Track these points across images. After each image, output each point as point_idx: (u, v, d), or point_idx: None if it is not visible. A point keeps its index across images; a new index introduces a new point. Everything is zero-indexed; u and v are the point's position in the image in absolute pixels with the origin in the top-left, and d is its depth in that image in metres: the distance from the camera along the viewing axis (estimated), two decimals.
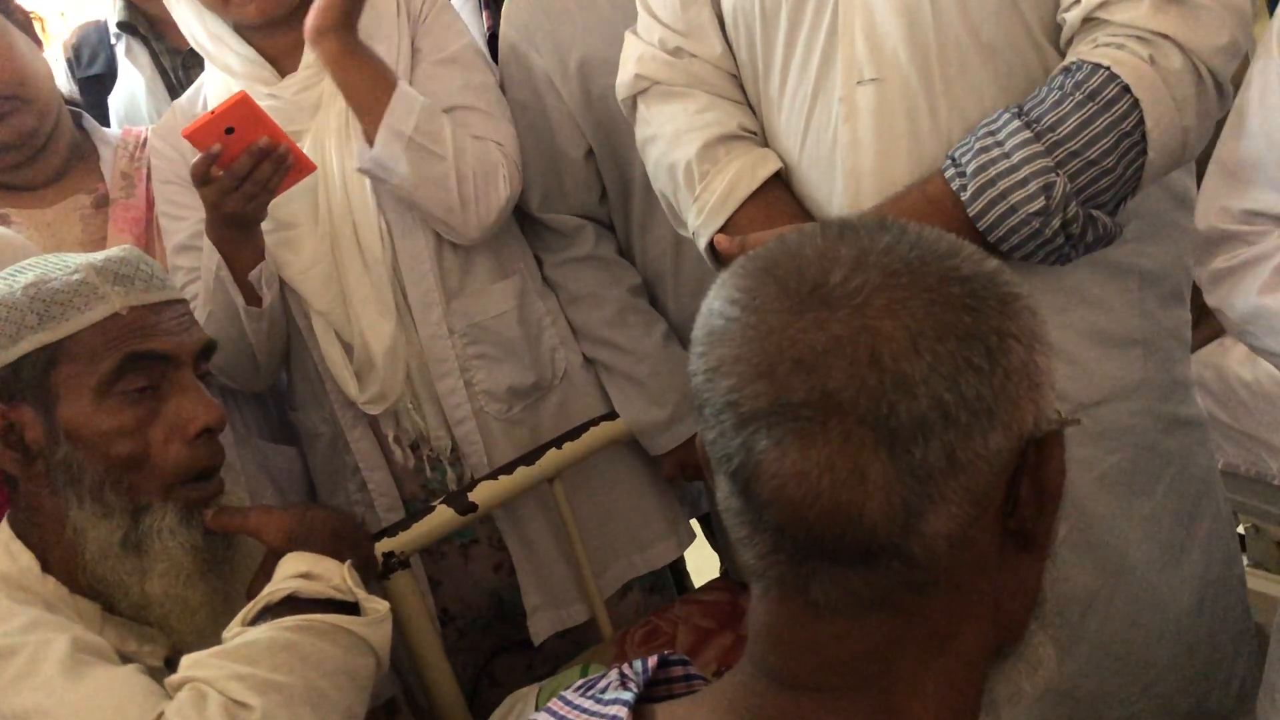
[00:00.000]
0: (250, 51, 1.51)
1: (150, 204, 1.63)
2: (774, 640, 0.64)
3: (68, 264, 1.10)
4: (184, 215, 1.56)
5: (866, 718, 0.62)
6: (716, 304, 0.64)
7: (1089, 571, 1.19)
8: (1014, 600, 0.65)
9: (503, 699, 1.43)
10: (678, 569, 2.19)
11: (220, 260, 1.44)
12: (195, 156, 1.52)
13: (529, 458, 1.55)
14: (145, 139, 1.68)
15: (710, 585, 1.73)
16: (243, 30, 1.51)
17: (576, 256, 1.65)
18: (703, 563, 2.31)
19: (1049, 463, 0.62)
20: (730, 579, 1.74)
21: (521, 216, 1.69)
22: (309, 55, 1.49)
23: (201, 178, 1.35)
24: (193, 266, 1.53)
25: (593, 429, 1.60)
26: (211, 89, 1.57)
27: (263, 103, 1.44)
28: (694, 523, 2.09)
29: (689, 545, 1.76)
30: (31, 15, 1.67)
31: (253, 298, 1.47)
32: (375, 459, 1.60)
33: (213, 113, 1.30)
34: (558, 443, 1.57)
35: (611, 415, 1.64)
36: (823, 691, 0.62)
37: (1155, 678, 1.23)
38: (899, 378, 0.57)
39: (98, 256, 1.11)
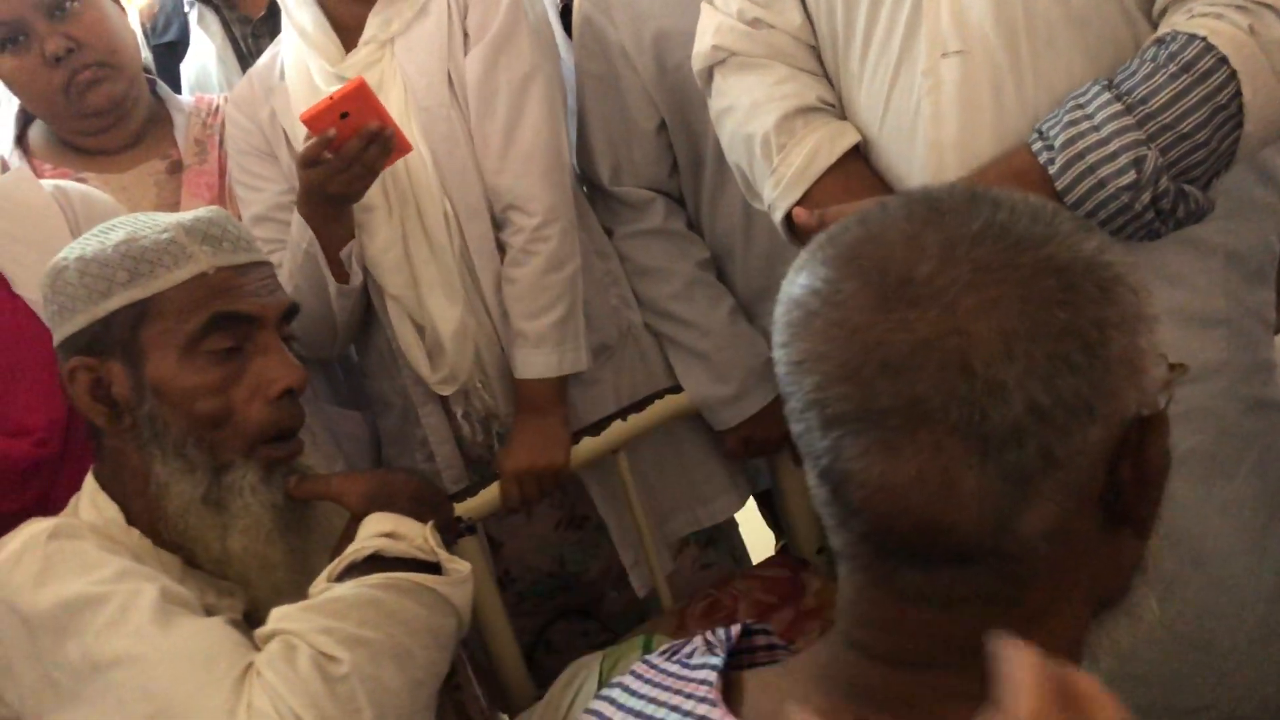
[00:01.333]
0: (324, 22, 1.52)
1: (223, 170, 1.65)
2: (861, 619, 0.64)
3: (157, 223, 1.11)
4: (261, 186, 1.57)
5: (959, 691, 0.61)
6: (797, 291, 0.62)
7: (1166, 556, 1.17)
8: (1112, 574, 0.64)
9: (558, 665, 1.45)
10: (734, 545, 2.20)
11: (311, 237, 1.45)
12: (270, 126, 1.55)
13: (594, 429, 1.57)
14: (217, 106, 1.71)
15: (770, 561, 1.73)
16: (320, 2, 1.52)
17: (646, 229, 1.65)
18: (755, 540, 2.31)
19: (1152, 443, 0.60)
20: (789, 555, 1.74)
21: (591, 189, 1.69)
22: (369, 31, 1.50)
23: (313, 160, 1.37)
24: (270, 238, 1.53)
25: (657, 401, 1.61)
26: (288, 56, 1.58)
27: (332, 88, 1.45)
28: (751, 500, 2.10)
29: (747, 500, 1.78)
30: None
31: (341, 275, 1.48)
32: (444, 433, 1.62)
33: (331, 98, 1.33)
34: (623, 414, 1.58)
35: (676, 387, 1.64)
36: (915, 666, 0.62)
37: (1233, 666, 1.21)
38: (991, 384, 0.55)
39: (187, 216, 1.13)
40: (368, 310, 1.60)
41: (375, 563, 1.04)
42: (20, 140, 1.64)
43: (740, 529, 2.22)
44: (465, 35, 1.53)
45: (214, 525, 1.08)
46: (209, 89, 1.95)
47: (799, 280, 0.62)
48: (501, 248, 1.54)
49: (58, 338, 1.11)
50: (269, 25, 1.90)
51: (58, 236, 1.30)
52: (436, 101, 1.50)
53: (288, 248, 1.50)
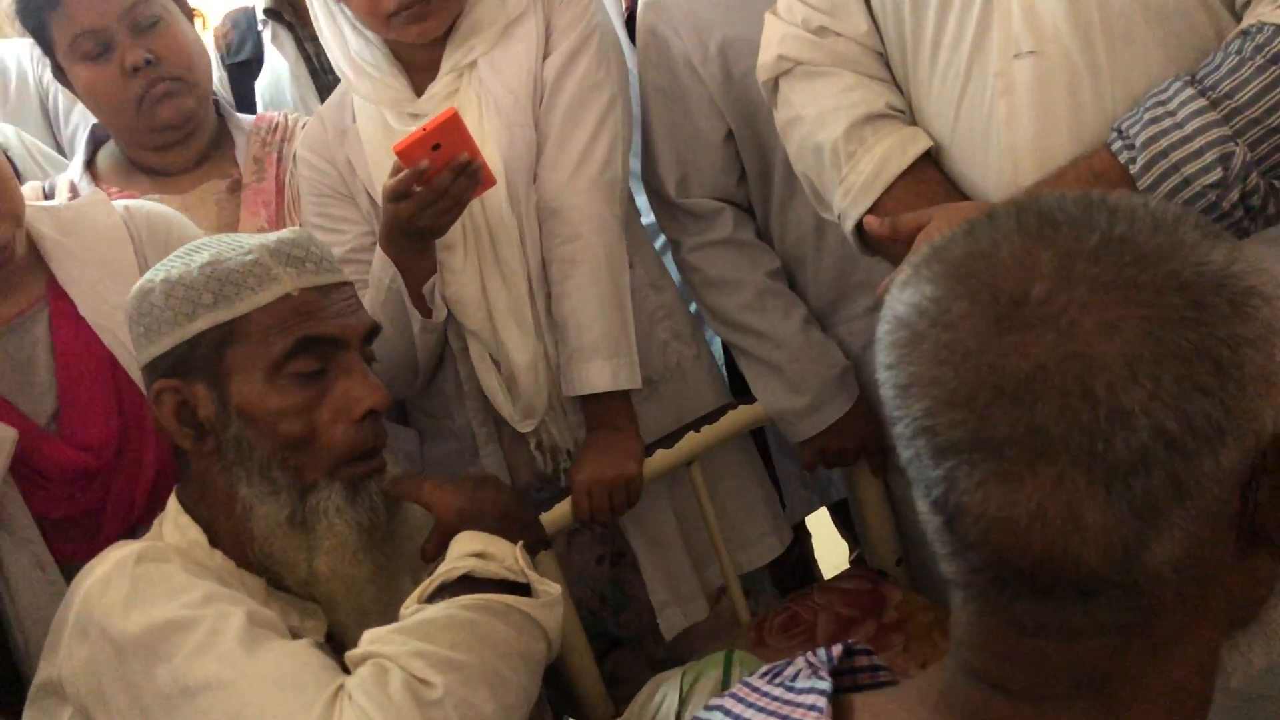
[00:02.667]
0: (391, 72, 1.53)
1: (280, 188, 1.67)
2: (979, 647, 0.61)
3: (242, 244, 1.13)
4: (342, 229, 1.57)
5: None
6: (902, 309, 0.59)
7: None
8: (1246, 592, 0.60)
9: (625, 695, 1.43)
10: (806, 558, 2.18)
11: (395, 273, 1.44)
12: (346, 169, 1.56)
13: (667, 440, 1.56)
14: (278, 124, 1.73)
15: (849, 573, 1.71)
16: (390, 41, 1.53)
17: (714, 240, 1.64)
18: (828, 552, 2.28)
19: None
20: (866, 566, 1.72)
21: (658, 201, 1.69)
22: (449, 62, 1.51)
23: (404, 194, 1.36)
24: (351, 280, 1.54)
25: (730, 413, 1.60)
26: (359, 99, 1.58)
27: (408, 128, 1.46)
28: (824, 510, 2.07)
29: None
30: (194, 11, 1.74)
31: (424, 311, 1.48)
32: (500, 474, 1.60)
33: (424, 129, 1.33)
34: (696, 426, 1.57)
35: (749, 399, 1.63)
36: (1036, 700, 0.59)
37: None
38: (1115, 410, 0.52)
39: (270, 238, 1.14)
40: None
41: (466, 583, 1.03)
42: (89, 165, 1.68)
43: (813, 539, 2.21)
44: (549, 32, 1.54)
45: (300, 546, 1.09)
46: (283, 107, 1.98)
47: (904, 297, 0.60)
48: None
49: (143, 359, 1.13)
50: None
51: (123, 260, 1.33)
52: (521, 118, 1.50)
53: (370, 286, 1.49)
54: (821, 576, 2.08)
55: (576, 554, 1.67)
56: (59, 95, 2.08)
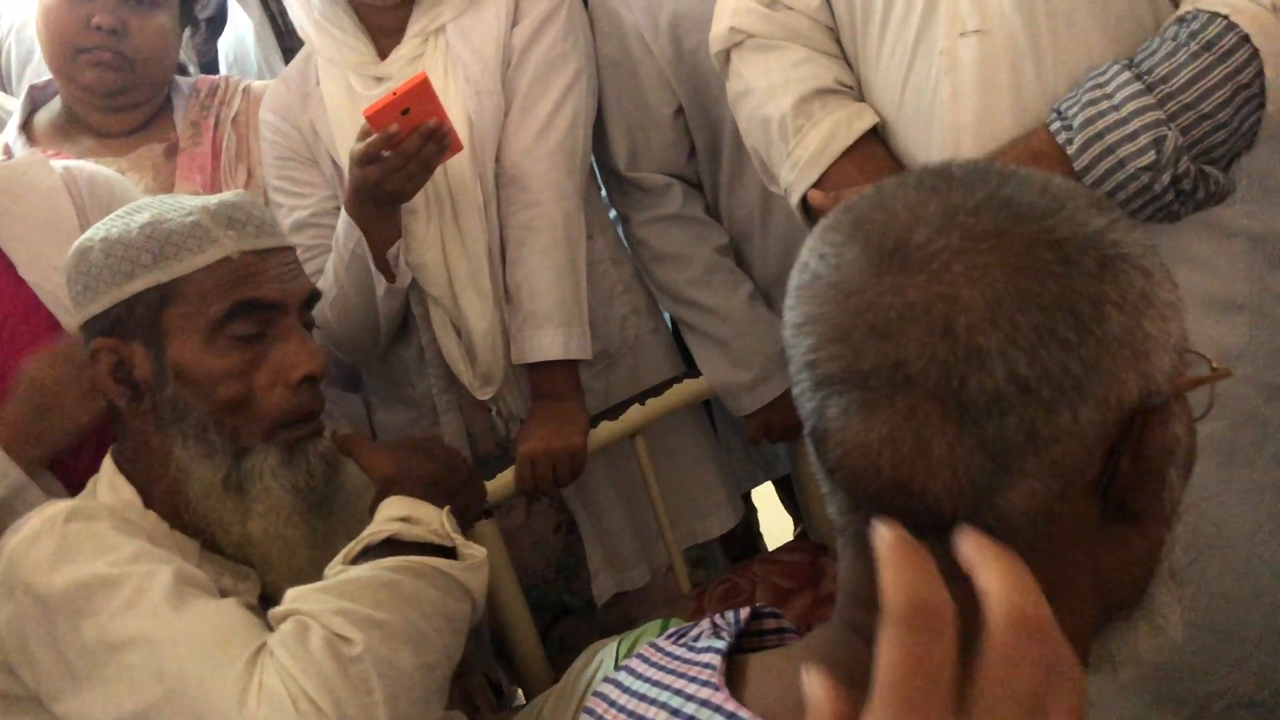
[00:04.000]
0: (355, 34, 1.51)
1: (216, 153, 1.65)
2: (856, 598, 0.64)
3: (182, 205, 1.12)
4: (306, 193, 1.56)
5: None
6: (807, 256, 0.62)
7: (1184, 541, 1.17)
8: (1118, 571, 0.62)
9: (572, 663, 1.44)
10: (752, 531, 2.20)
11: (360, 237, 1.44)
12: (310, 133, 1.55)
13: (612, 412, 1.56)
14: (217, 87, 1.70)
15: (789, 546, 1.73)
16: (355, 3, 1.51)
17: (663, 215, 1.64)
18: (773, 525, 2.31)
19: (1154, 436, 0.58)
20: (808, 539, 1.74)
21: (608, 174, 1.69)
22: (416, 25, 1.50)
23: (372, 158, 1.35)
24: (313, 243, 1.53)
25: (675, 386, 1.61)
26: (322, 61, 1.57)
27: (372, 92, 1.45)
28: (770, 485, 2.10)
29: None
30: None
31: (388, 275, 1.47)
32: (460, 440, 1.61)
33: (394, 94, 1.32)
34: (641, 398, 1.58)
35: (694, 373, 1.64)
36: None
37: (1247, 652, 1.20)
38: (973, 350, 0.54)
39: (212, 200, 1.13)
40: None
41: (391, 546, 1.04)
42: (25, 126, 1.66)
43: (762, 514, 2.23)
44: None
45: (234, 509, 1.09)
46: (247, 66, 1.95)
47: (812, 245, 0.63)
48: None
49: (81, 318, 1.12)
50: None
51: (64, 220, 1.31)
52: (489, 85, 1.50)
53: (333, 250, 1.49)
54: (767, 549, 2.11)
55: (535, 522, 1.68)
56: (12, 53, 2.04)
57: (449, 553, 1.06)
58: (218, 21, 2.05)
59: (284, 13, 1.95)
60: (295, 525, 1.10)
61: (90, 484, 1.14)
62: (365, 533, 1.05)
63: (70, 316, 1.23)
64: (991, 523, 0.57)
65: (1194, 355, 0.61)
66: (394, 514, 1.06)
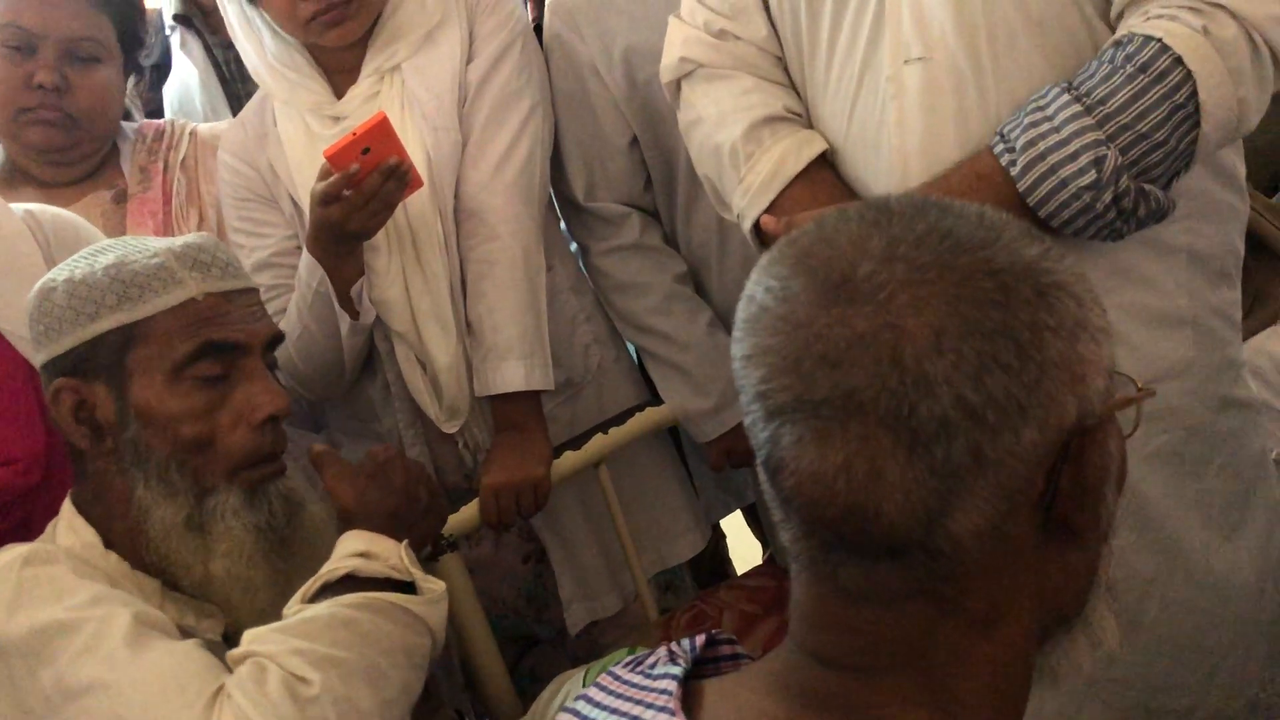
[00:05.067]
0: (311, 74, 1.52)
1: (167, 197, 1.65)
2: (810, 622, 0.65)
3: (148, 247, 1.12)
4: (266, 233, 1.56)
5: (912, 698, 0.62)
6: (753, 289, 0.64)
7: (1144, 555, 1.18)
8: (1060, 588, 0.64)
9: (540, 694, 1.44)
10: (721, 557, 2.20)
11: (323, 276, 1.44)
12: (269, 173, 1.55)
13: (575, 442, 1.57)
14: (164, 132, 1.70)
15: (756, 571, 1.73)
16: (310, 45, 1.52)
17: (622, 245, 1.66)
18: (746, 551, 2.31)
19: (1091, 455, 0.60)
20: (776, 564, 1.74)
21: (566, 205, 1.70)
22: (371, 64, 1.51)
23: (333, 197, 1.36)
24: (274, 284, 1.53)
25: (638, 415, 1.61)
26: (279, 102, 1.57)
27: (330, 131, 1.46)
28: (739, 512, 2.10)
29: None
30: None
31: (352, 313, 1.48)
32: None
33: (354, 134, 1.33)
34: (603, 428, 1.58)
35: (657, 401, 1.65)
36: (865, 672, 0.62)
37: (1216, 665, 1.21)
38: (920, 378, 0.56)
39: (177, 242, 1.13)
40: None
41: (350, 582, 1.04)
42: None
43: (728, 540, 2.24)
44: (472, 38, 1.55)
45: (195, 549, 1.08)
46: (192, 113, 1.96)
47: (757, 278, 0.64)
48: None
49: (42, 358, 1.11)
50: None
51: (31, 263, 1.30)
52: (446, 121, 1.51)
53: (296, 289, 1.49)
54: (736, 574, 2.11)
55: (504, 553, 1.67)
56: None
57: (408, 587, 1.06)
58: (163, 68, 2.06)
59: (229, 60, 1.96)
60: (257, 566, 1.09)
61: (50, 527, 1.13)
62: (323, 569, 1.05)
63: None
64: (943, 545, 0.59)
65: (1122, 376, 0.64)
66: (352, 549, 1.06)
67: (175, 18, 1.99)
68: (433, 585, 1.07)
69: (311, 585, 1.04)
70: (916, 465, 0.57)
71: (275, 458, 1.14)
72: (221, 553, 1.08)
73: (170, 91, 2.02)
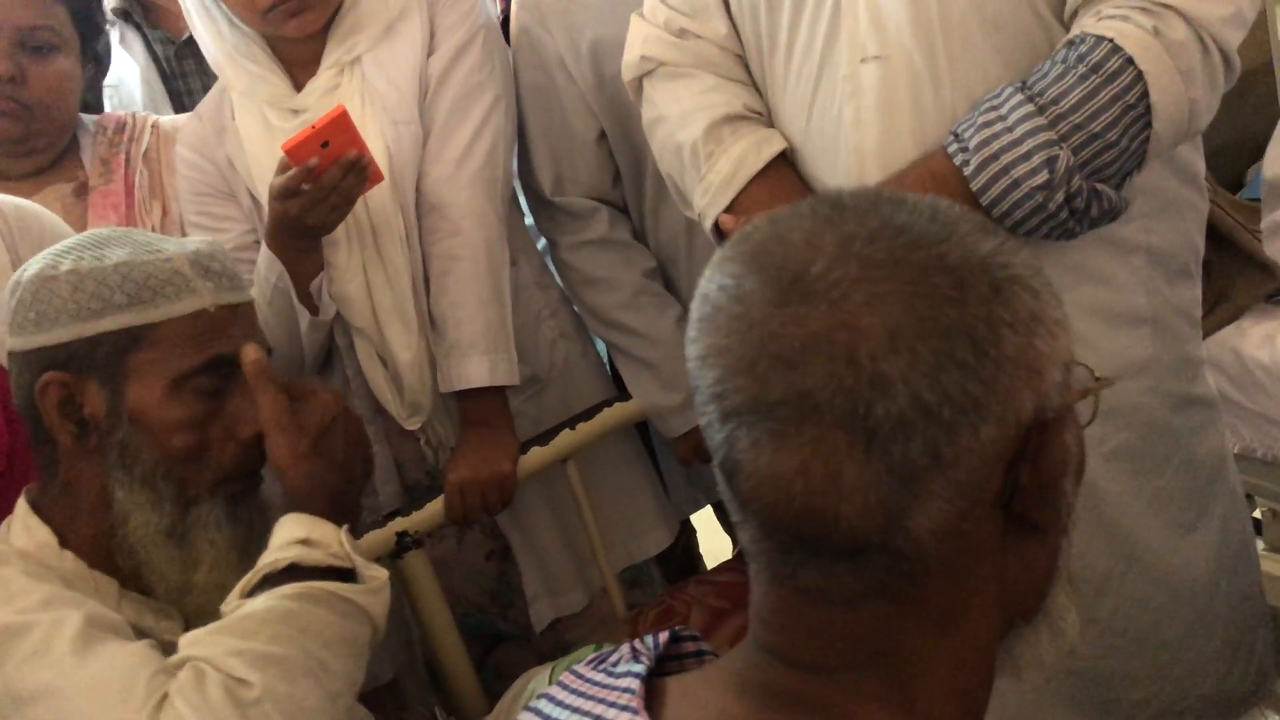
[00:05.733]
0: (270, 67, 1.51)
1: (130, 190, 1.63)
2: (770, 622, 0.64)
3: (159, 249, 1.10)
4: (224, 228, 1.55)
5: (874, 695, 0.62)
6: (707, 288, 0.63)
7: (1101, 551, 1.19)
8: (1021, 582, 0.64)
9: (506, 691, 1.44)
10: (690, 553, 2.20)
11: (282, 271, 1.43)
12: (228, 167, 1.54)
13: (542, 438, 1.56)
14: (125, 124, 1.69)
15: (724, 566, 1.74)
16: (268, 36, 1.51)
17: (590, 239, 1.65)
18: (716, 547, 2.32)
19: (1050, 449, 0.60)
20: (744, 560, 1.74)
21: (534, 199, 1.70)
22: (331, 56, 1.50)
23: (292, 191, 1.35)
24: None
25: (606, 410, 1.61)
26: (236, 95, 1.56)
27: (289, 125, 1.45)
28: (709, 507, 2.10)
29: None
30: None
31: (311, 309, 1.47)
32: (388, 472, 1.60)
33: (313, 127, 1.32)
34: (571, 423, 1.58)
35: (624, 396, 1.65)
36: (827, 670, 0.62)
37: (1170, 659, 1.23)
38: (876, 377, 0.56)
39: (187, 246, 1.11)
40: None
41: (291, 573, 1.02)
42: None
43: (698, 535, 2.24)
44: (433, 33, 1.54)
45: (174, 559, 1.07)
46: (131, 108, 1.93)
47: (710, 277, 0.63)
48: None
49: (24, 344, 1.08)
50: (193, 48, 1.85)
51: None
52: (406, 115, 1.50)
53: (255, 284, 1.47)
54: (706, 569, 2.11)
55: (467, 551, 1.67)
56: None
57: (349, 574, 1.06)
58: (104, 62, 2.04)
59: (170, 56, 1.93)
60: (235, 575, 1.09)
61: (4, 527, 1.12)
62: (264, 561, 1.03)
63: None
64: (903, 545, 0.58)
65: (1079, 366, 0.63)
66: (293, 535, 1.04)
67: (115, 11, 1.95)
68: (375, 574, 1.06)
69: (252, 578, 1.03)
70: (874, 465, 0.56)
71: (256, 472, 1.14)
72: (207, 565, 1.08)
73: (110, 86, 1.98)
